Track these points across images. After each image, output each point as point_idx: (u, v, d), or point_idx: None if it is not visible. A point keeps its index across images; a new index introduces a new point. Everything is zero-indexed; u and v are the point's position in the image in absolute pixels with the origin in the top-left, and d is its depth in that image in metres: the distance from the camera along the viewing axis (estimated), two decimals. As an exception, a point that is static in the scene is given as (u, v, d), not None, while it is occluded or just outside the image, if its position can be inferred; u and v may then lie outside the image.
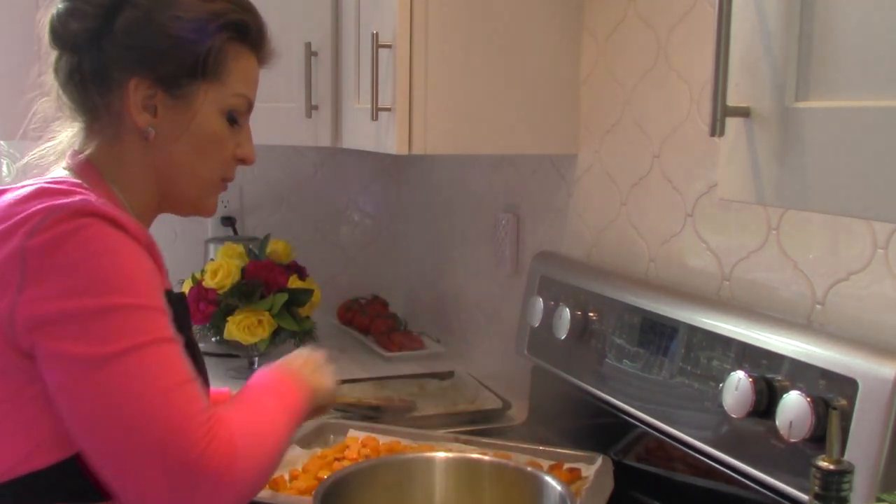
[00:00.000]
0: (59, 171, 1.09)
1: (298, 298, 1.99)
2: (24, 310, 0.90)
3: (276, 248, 2.10)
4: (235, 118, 1.13)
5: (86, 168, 1.08)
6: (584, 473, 1.37)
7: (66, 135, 1.13)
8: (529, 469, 1.25)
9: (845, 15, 0.70)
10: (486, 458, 1.31)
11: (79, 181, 1.03)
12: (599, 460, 1.39)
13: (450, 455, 1.31)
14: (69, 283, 0.91)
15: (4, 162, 2.27)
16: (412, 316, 2.47)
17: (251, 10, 1.14)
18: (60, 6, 1.07)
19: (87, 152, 1.09)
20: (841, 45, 0.70)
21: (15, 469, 0.93)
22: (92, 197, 0.97)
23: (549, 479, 1.20)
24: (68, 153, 1.11)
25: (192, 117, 1.09)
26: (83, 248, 0.92)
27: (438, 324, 2.38)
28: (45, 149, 1.15)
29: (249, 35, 1.12)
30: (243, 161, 1.16)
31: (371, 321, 2.35)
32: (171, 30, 1.06)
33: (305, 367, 1.20)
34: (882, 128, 0.66)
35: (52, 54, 1.10)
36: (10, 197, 0.98)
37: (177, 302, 1.07)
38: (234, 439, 0.93)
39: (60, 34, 1.08)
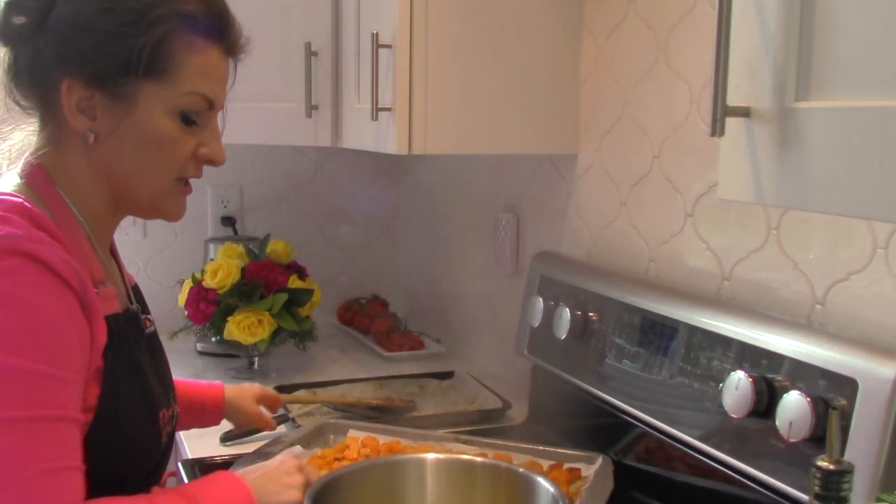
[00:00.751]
0: (11, 178, 1.02)
1: (298, 298, 1.99)
2: None
3: (276, 248, 2.10)
4: (191, 118, 1.02)
5: (37, 175, 1.01)
6: (584, 473, 1.37)
7: (20, 136, 1.05)
8: (521, 470, 1.25)
9: (845, 15, 0.70)
10: (478, 459, 1.31)
11: (21, 199, 0.95)
12: (599, 460, 1.39)
13: (441, 456, 1.31)
14: None
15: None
16: (412, 316, 2.47)
17: None
18: None
19: (38, 156, 1.02)
20: (841, 45, 0.70)
21: None
22: (23, 230, 0.91)
23: (541, 479, 1.20)
24: (25, 155, 1.04)
25: (134, 119, 0.99)
26: (2, 297, 0.87)
27: (438, 324, 2.38)
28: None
29: (199, 25, 0.99)
30: (210, 162, 1.06)
31: (371, 321, 2.35)
32: (101, 24, 0.96)
33: (262, 478, 1.09)
34: (882, 128, 0.66)
35: (2, 50, 1.02)
36: None
37: (126, 323, 1.04)
38: None
39: (2, 29, 1.00)
